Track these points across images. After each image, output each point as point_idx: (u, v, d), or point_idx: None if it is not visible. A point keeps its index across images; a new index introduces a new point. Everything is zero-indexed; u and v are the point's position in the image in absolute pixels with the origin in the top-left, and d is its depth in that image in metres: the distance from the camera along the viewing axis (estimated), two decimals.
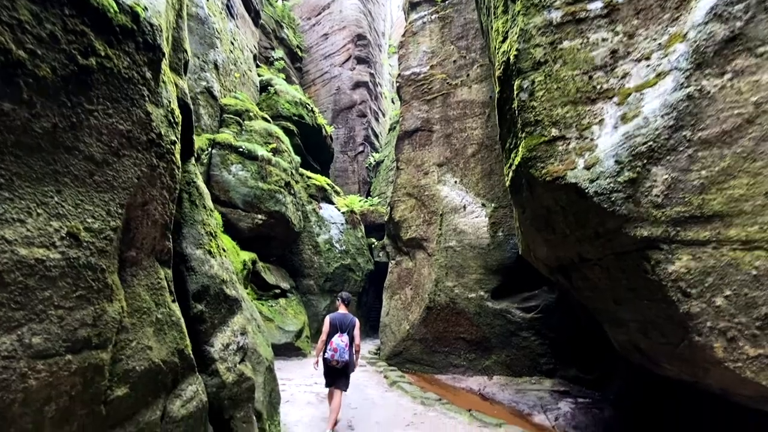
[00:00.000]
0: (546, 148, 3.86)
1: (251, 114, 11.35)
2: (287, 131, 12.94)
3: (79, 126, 1.79)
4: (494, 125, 8.25)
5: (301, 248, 12.03)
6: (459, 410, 6.01)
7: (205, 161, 9.27)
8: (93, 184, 1.86)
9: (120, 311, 2.00)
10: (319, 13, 23.02)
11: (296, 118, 13.87)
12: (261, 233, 9.90)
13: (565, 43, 3.94)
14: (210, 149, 9.48)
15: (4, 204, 1.52)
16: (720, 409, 4.14)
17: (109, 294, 1.92)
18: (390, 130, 20.57)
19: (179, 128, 2.57)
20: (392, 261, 10.40)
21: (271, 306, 9.95)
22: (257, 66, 14.97)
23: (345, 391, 5.19)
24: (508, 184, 4.98)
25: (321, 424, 5.16)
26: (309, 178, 13.25)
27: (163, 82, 2.35)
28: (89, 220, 1.82)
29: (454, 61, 9.87)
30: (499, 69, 4.73)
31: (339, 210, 13.61)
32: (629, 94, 3.48)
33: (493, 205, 8.58)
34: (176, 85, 2.81)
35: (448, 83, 9.82)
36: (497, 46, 4.97)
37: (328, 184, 14.13)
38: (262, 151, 10.19)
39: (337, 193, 14.85)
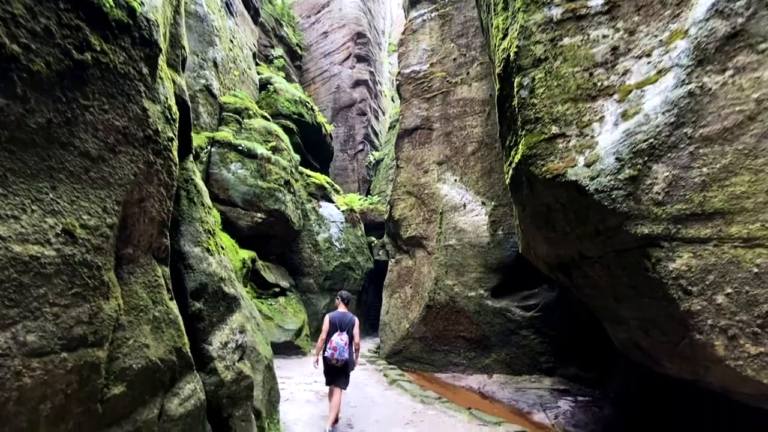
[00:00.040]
0: (546, 145, 3.84)
1: (251, 112, 11.32)
2: (287, 129, 12.91)
3: (75, 121, 1.77)
4: (494, 123, 8.23)
5: (300, 247, 12.02)
6: (459, 408, 6.01)
7: (204, 159, 9.25)
8: (89, 181, 1.84)
9: (116, 309, 1.98)
10: (319, 11, 22.96)
11: (296, 116, 13.84)
12: (260, 232, 9.89)
13: (566, 40, 3.92)
14: (209, 147, 9.45)
15: None
16: (721, 407, 4.13)
17: (106, 291, 1.90)
18: (390, 128, 20.55)
19: (177, 125, 2.55)
20: (392, 259, 10.38)
21: (271, 304, 9.94)
22: (257, 64, 14.94)
23: (345, 389, 5.19)
24: (508, 181, 4.97)
25: (320, 422, 5.15)
26: (308, 176, 13.23)
27: (160, 78, 2.33)
28: (85, 217, 1.80)
29: (454, 59, 9.84)
30: (499, 66, 4.71)
31: (339, 208, 13.60)
32: (630, 91, 3.46)
33: (493, 203, 8.56)
34: (174, 82, 2.78)
35: (448, 81, 9.80)
36: (497, 44, 4.94)
37: (327, 183, 14.11)
38: (261, 150, 10.17)
39: (337, 192, 14.83)
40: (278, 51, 18.50)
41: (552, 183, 3.78)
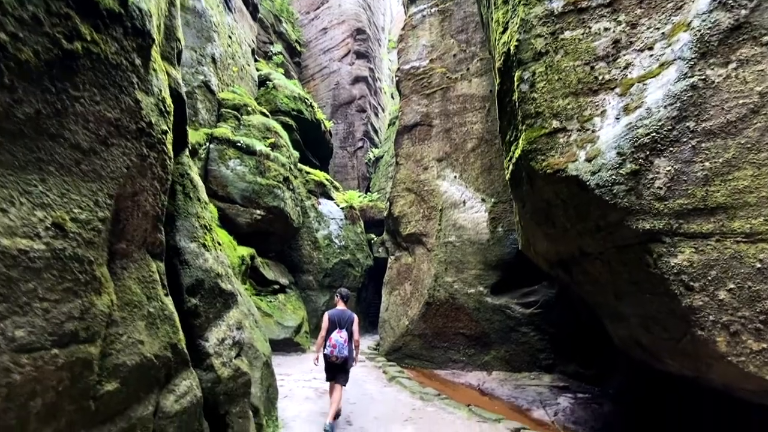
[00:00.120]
0: (547, 140, 3.80)
1: (249, 108, 11.26)
2: (286, 126, 12.85)
3: (64, 112, 1.73)
4: (494, 120, 8.18)
5: (300, 244, 11.99)
6: (458, 405, 5.99)
7: (202, 156, 9.20)
8: (80, 174, 1.80)
9: (109, 304, 1.94)
10: (318, 7, 22.83)
11: (295, 113, 13.78)
12: (259, 228, 9.85)
13: (567, 33, 3.87)
14: (208, 144, 9.40)
15: None
16: (722, 404, 4.11)
17: (98, 287, 1.87)
18: (389, 125, 20.48)
19: (171, 118, 2.50)
20: (391, 256, 10.35)
21: (270, 301, 9.91)
22: (255, 60, 14.86)
23: (344, 386, 5.20)
24: (508, 177, 4.93)
25: (319, 419, 5.13)
26: (308, 173, 13.18)
27: (154, 69, 2.28)
28: (76, 210, 1.76)
29: (454, 55, 9.78)
30: (500, 60, 4.66)
31: (338, 205, 13.56)
32: (632, 85, 3.42)
33: (492, 200, 8.52)
34: (168, 75, 2.74)
35: (447, 77, 9.73)
36: (497, 38, 4.89)
37: (327, 180, 14.06)
38: (260, 146, 10.12)
39: (337, 189, 14.79)
40: (277, 47, 18.41)
41: (552, 178, 3.74)
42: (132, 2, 2.02)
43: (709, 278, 2.96)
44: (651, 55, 3.39)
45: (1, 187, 1.51)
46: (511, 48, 4.23)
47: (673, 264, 3.09)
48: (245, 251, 8.99)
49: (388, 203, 10.50)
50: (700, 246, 3.00)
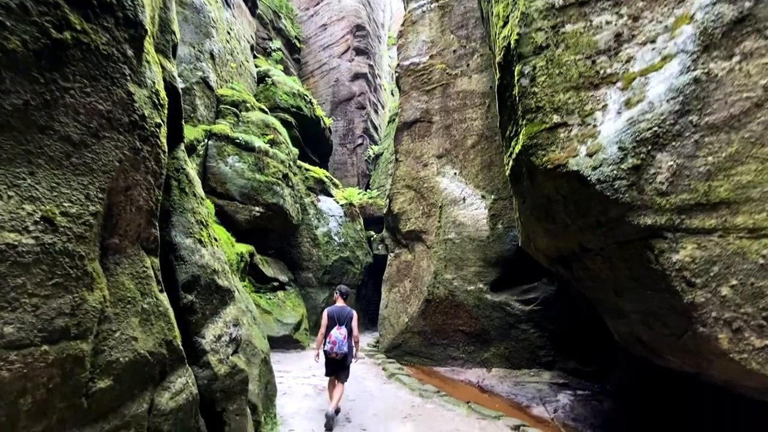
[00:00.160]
0: (547, 135, 3.76)
1: (248, 105, 11.20)
2: (285, 123, 12.79)
3: (54, 104, 1.69)
4: (494, 116, 8.12)
5: (299, 241, 11.95)
6: (457, 402, 5.97)
7: (201, 152, 9.15)
8: (70, 167, 1.76)
9: (101, 300, 1.91)
10: (318, 3, 22.70)
11: (294, 109, 13.71)
12: (259, 225, 9.81)
13: (568, 27, 3.82)
14: (206, 140, 9.35)
15: None
16: (723, 400, 4.08)
17: (89, 282, 1.83)
18: (389, 122, 20.39)
19: (165, 111, 2.46)
20: (391, 254, 10.32)
21: (270, 299, 9.89)
22: (254, 57, 14.78)
23: (344, 382, 5.21)
24: (508, 173, 4.89)
25: (318, 415, 5.11)
26: (307, 170, 13.13)
27: (147, 61, 2.24)
28: (66, 204, 1.73)
29: (454, 51, 9.71)
30: (500, 55, 4.61)
31: (338, 202, 13.51)
32: (634, 79, 3.37)
33: (492, 197, 8.48)
34: (163, 67, 2.69)
35: (447, 73, 9.67)
36: (498, 32, 4.84)
37: (326, 177, 14.00)
38: (259, 143, 10.07)
39: (336, 186, 14.73)
40: (276, 43, 18.31)
41: (553, 173, 3.70)
42: None
43: (712, 274, 2.93)
44: (653, 49, 3.34)
45: None
46: (512, 42, 4.18)
47: (674, 260, 3.05)
48: (244, 248, 8.96)
49: (388, 200, 10.46)
50: (703, 242, 2.97)
